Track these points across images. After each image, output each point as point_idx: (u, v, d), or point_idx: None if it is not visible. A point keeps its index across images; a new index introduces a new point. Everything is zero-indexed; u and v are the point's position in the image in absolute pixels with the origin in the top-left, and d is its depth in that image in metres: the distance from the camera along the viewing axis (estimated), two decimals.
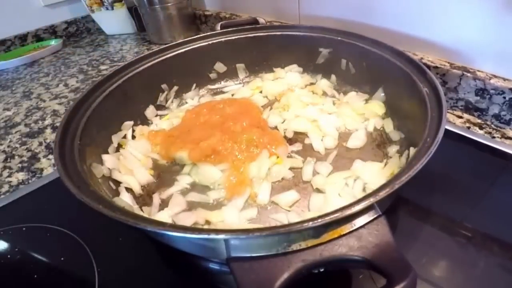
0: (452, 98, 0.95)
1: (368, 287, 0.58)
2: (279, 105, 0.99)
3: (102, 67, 1.46)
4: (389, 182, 0.52)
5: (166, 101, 1.05)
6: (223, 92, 1.10)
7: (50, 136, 1.07)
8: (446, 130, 0.59)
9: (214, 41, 1.06)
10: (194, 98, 1.08)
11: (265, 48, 1.08)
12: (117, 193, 0.76)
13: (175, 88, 1.06)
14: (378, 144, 0.84)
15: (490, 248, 0.63)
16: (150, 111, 1.00)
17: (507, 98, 0.85)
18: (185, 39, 1.05)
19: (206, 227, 0.69)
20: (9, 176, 0.94)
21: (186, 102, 1.07)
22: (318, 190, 0.75)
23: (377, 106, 0.90)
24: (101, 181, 0.75)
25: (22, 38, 1.79)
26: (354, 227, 0.49)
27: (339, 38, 0.96)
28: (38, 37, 1.84)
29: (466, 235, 0.65)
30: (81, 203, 0.55)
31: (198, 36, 1.06)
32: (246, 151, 0.81)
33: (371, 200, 0.49)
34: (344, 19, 1.11)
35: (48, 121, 1.15)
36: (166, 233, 0.52)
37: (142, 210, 0.74)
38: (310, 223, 0.46)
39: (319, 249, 0.47)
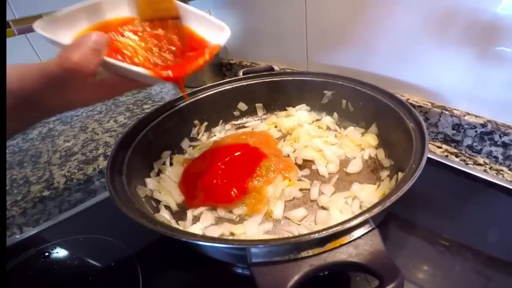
0: (433, 132, 0.95)
1: None
2: (291, 138, 1.00)
3: (145, 106, 1.47)
4: (381, 201, 0.53)
5: (198, 134, 1.06)
6: (244, 127, 1.11)
7: (102, 163, 1.09)
8: (428, 158, 0.61)
9: (237, 85, 1.07)
10: (221, 132, 1.09)
11: (279, 91, 1.09)
12: (157, 210, 0.78)
13: (205, 123, 1.07)
14: (372, 169, 0.85)
15: (465, 255, 0.63)
16: (184, 142, 1.01)
17: (478, 132, 0.85)
18: (214, 83, 1.06)
19: (231, 238, 0.70)
20: (69, 196, 0.95)
21: (214, 135, 1.08)
22: (323, 208, 0.75)
23: (371, 138, 0.91)
24: (144, 200, 0.77)
25: None
26: (353, 238, 0.50)
27: (340, 82, 0.98)
28: None
29: (444, 244, 0.65)
30: (128, 218, 0.57)
31: (224, 80, 1.07)
32: (265, 176, 0.82)
33: (366, 215, 0.50)
34: (344, 66, 1.12)
35: (100, 150, 1.16)
36: (198, 243, 0.53)
37: (178, 224, 0.76)
38: (317, 234, 0.48)
39: (324, 256, 0.49)
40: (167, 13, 0.64)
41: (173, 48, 0.66)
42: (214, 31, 0.71)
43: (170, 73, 0.59)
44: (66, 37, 0.56)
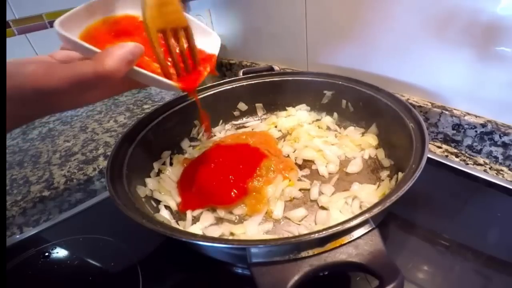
0: (433, 132, 0.95)
1: None
2: (291, 138, 1.00)
3: (145, 106, 1.47)
4: (381, 201, 0.53)
5: (198, 134, 1.05)
6: (244, 127, 1.11)
7: (102, 163, 1.09)
8: (428, 158, 0.61)
9: (237, 85, 1.07)
10: (221, 132, 1.09)
11: (279, 91, 1.09)
12: (157, 210, 0.78)
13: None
14: (372, 169, 0.85)
15: (465, 255, 0.63)
16: (184, 143, 1.01)
17: (478, 132, 0.85)
18: (213, 83, 1.05)
19: (231, 238, 0.70)
20: (69, 196, 0.95)
21: (214, 135, 1.08)
22: (323, 208, 0.75)
23: (371, 138, 0.91)
24: (144, 200, 0.77)
25: None
26: (353, 238, 0.50)
27: (340, 82, 0.98)
28: None
29: (445, 245, 0.65)
30: (128, 218, 0.57)
31: (224, 80, 1.07)
32: (266, 176, 0.82)
33: (366, 215, 0.50)
34: (345, 66, 1.12)
35: (100, 150, 1.16)
36: (198, 243, 0.53)
37: (178, 224, 0.75)
38: (317, 234, 0.48)
39: (324, 256, 0.49)
40: (177, 22, 0.63)
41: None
42: (205, 37, 0.72)
43: (191, 83, 0.62)
44: (74, 33, 0.56)
